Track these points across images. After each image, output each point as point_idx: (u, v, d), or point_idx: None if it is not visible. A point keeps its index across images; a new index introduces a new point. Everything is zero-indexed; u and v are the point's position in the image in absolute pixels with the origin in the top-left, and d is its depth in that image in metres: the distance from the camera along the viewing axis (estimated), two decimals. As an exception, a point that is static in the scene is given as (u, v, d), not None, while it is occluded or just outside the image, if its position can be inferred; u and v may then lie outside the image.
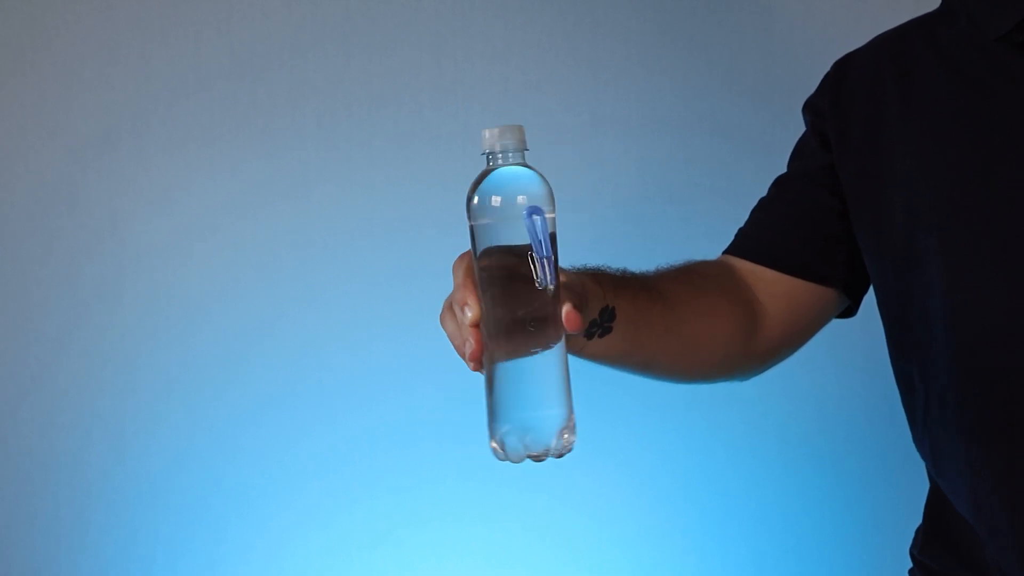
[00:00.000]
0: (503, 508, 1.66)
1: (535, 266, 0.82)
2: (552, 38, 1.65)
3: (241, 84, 1.62)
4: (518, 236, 0.83)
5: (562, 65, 1.65)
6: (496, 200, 0.84)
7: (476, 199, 0.84)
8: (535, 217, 0.82)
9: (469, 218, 0.85)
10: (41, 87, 1.60)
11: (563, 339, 0.85)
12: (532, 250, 0.82)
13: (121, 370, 1.63)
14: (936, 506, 1.14)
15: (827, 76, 1.18)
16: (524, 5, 1.65)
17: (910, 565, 1.18)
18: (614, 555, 1.68)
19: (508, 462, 0.85)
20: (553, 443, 0.84)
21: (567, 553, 1.67)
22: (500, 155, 0.85)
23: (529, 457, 0.84)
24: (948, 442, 1.06)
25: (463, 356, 0.86)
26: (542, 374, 0.84)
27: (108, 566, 1.63)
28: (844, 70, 1.16)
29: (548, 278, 0.83)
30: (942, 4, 1.13)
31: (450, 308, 0.88)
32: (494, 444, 0.85)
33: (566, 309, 0.84)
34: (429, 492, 1.66)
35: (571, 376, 0.86)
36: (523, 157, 0.86)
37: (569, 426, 0.85)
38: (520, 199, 0.83)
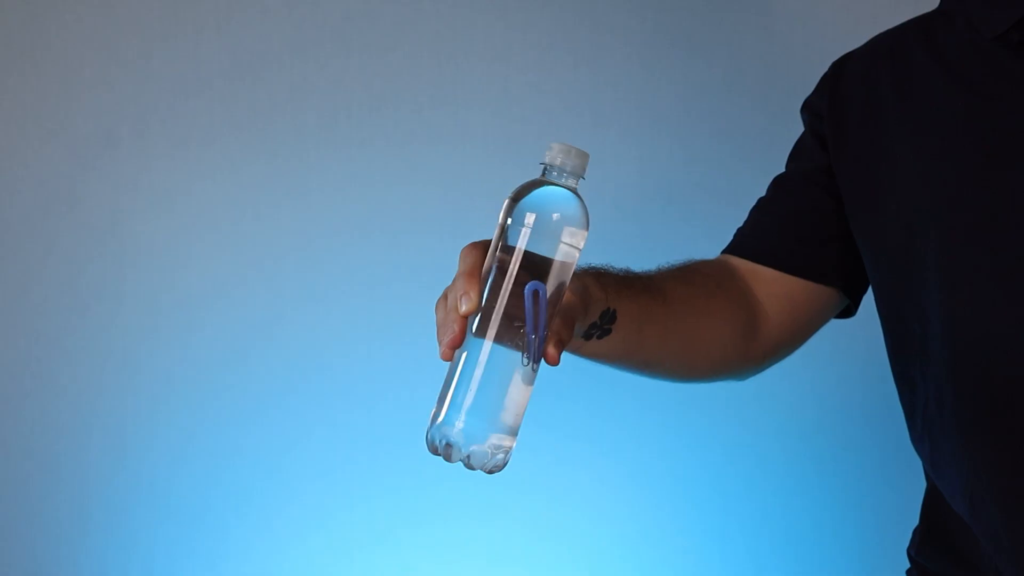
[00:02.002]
0: (503, 508, 1.66)
1: (522, 342, 0.81)
2: (552, 38, 1.65)
3: (241, 84, 1.62)
4: (546, 250, 0.83)
5: (562, 65, 1.65)
6: (543, 214, 0.83)
7: (524, 202, 0.84)
8: (537, 293, 0.81)
9: (505, 214, 0.84)
10: (41, 87, 1.60)
11: (538, 364, 0.83)
12: (525, 324, 0.81)
13: (121, 370, 1.63)
14: (933, 506, 1.14)
15: (825, 77, 1.18)
16: (524, 5, 1.65)
17: (908, 566, 1.18)
18: (614, 555, 1.68)
19: (438, 456, 0.84)
20: (488, 454, 0.82)
21: (567, 553, 1.67)
22: (559, 172, 0.85)
23: (461, 460, 0.83)
24: (945, 442, 1.06)
25: (441, 343, 0.84)
26: (507, 385, 0.83)
27: (108, 566, 1.63)
28: (842, 71, 1.16)
29: (532, 357, 0.81)
30: (940, 4, 1.13)
31: (446, 297, 0.87)
32: (430, 434, 0.84)
33: (549, 348, 0.82)
34: (429, 492, 1.65)
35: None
36: (577, 184, 0.86)
37: (505, 447, 0.83)
38: (556, 217, 0.83)
